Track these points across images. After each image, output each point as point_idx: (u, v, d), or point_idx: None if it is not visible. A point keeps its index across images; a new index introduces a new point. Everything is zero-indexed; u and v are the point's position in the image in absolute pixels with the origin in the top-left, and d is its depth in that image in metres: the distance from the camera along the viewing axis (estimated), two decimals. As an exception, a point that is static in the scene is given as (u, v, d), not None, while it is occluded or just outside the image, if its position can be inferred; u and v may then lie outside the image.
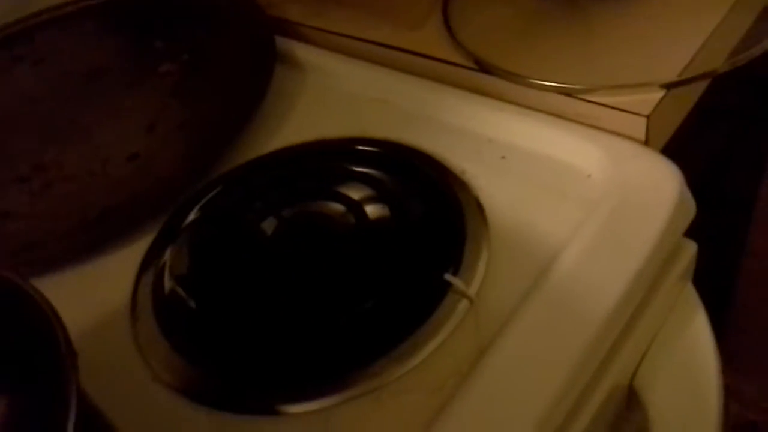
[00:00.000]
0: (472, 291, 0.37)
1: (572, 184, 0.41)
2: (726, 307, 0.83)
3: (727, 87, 0.55)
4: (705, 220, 0.44)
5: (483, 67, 0.48)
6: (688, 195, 0.40)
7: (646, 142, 0.43)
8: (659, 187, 0.40)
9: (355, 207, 0.41)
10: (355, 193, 0.42)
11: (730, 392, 0.40)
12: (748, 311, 0.85)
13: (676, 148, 0.44)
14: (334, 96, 0.52)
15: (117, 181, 0.47)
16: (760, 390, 0.95)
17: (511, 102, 0.46)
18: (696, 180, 0.42)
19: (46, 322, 0.25)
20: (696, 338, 0.42)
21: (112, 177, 0.47)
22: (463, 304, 0.36)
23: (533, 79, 0.45)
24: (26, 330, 0.25)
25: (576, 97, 0.44)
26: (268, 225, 0.42)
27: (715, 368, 0.41)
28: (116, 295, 0.41)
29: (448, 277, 0.37)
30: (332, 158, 0.46)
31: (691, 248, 0.43)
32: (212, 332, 0.37)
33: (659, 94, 0.43)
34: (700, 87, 0.47)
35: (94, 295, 0.41)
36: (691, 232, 0.43)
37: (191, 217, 0.44)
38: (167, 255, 0.42)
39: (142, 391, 0.36)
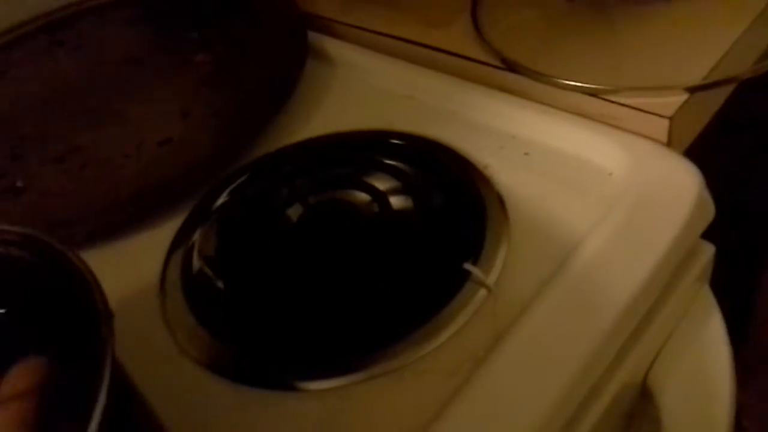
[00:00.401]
0: (490, 280, 0.37)
1: (593, 181, 0.42)
2: (742, 316, 0.83)
3: (752, 97, 0.56)
4: (726, 228, 0.45)
5: (509, 65, 0.49)
6: (708, 197, 0.41)
7: (668, 145, 0.43)
8: (679, 187, 0.40)
9: (380, 197, 0.43)
10: (380, 184, 0.44)
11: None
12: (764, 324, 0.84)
13: (699, 155, 0.45)
14: (363, 91, 0.53)
15: (150, 164, 0.48)
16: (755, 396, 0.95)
17: (535, 101, 0.47)
18: (718, 188, 0.42)
19: (84, 284, 0.26)
20: (710, 340, 0.43)
21: (145, 160, 0.49)
22: (482, 292, 0.37)
23: (558, 78, 0.46)
24: (64, 292, 0.27)
25: (600, 98, 0.45)
26: (294, 211, 0.43)
27: (729, 370, 0.41)
28: (147, 272, 0.42)
29: (467, 266, 0.38)
30: (359, 149, 0.48)
31: (708, 250, 0.43)
32: (237, 310, 0.39)
33: (683, 97, 0.43)
34: (724, 92, 0.47)
35: (125, 271, 0.42)
36: (711, 239, 0.44)
37: (220, 200, 0.46)
38: (196, 236, 0.43)
39: (169, 364, 0.37)
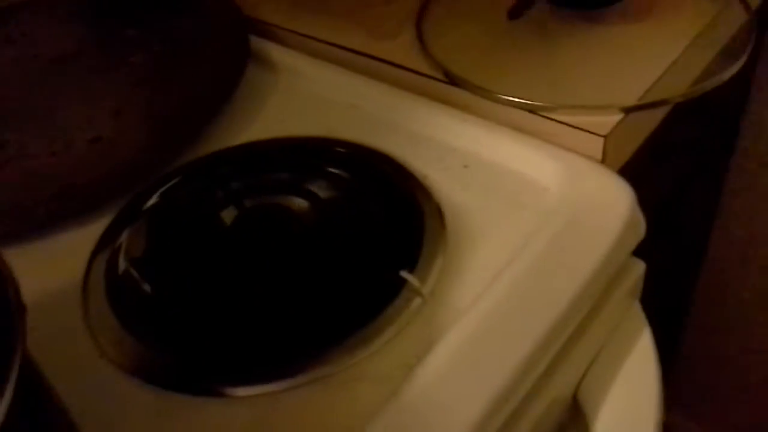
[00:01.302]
0: (426, 289, 0.37)
1: (530, 195, 0.43)
2: (673, 332, 0.86)
3: (686, 120, 0.58)
4: (658, 246, 0.46)
5: (451, 79, 0.49)
6: (639, 215, 0.42)
7: (603, 163, 0.44)
8: (612, 204, 0.41)
9: (318, 203, 0.42)
10: (320, 190, 0.43)
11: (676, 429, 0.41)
12: (695, 340, 0.87)
13: (633, 175, 0.46)
14: (305, 98, 0.53)
15: (78, 162, 0.46)
16: (706, 429, 0.98)
17: (476, 115, 0.48)
18: (651, 207, 0.44)
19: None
20: (640, 355, 0.44)
21: (74, 157, 0.47)
22: (417, 301, 0.37)
23: (498, 93, 0.47)
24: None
25: (538, 114, 0.46)
26: (228, 214, 0.42)
27: (657, 387, 0.42)
28: (69, 272, 0.40)
29: (403, 274, 0.37)
30: (298, 155, 0.47)
31: (639, 267, 0.44)
32: (163, 314, 0.37)
33: (618, 116, 0.44)
34: (659, 114, 0.49)
35: (46, 271, 0.40)
36: (643, 256, 0.45)
37: (151, 202, 0.44)
38: (123, 237, 0.42)
39: (89, 368, 0.35)
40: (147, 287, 0.38)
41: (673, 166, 0.63)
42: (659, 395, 0.41)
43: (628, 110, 0.45)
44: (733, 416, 0.95)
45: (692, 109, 0.59)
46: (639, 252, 0.44)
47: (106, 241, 0.42)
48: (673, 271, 0.75)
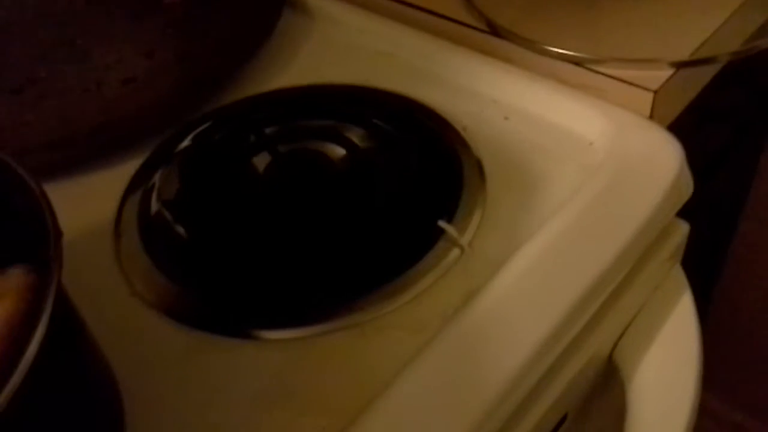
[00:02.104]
0: (464, 240, 0.36)
1: (573, 150, 0.41)
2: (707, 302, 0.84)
3: (733, 85, 0.55)
4: (699, 212, 0.44)
5: (494, 30, 0.47)
6: (687, 173, 0.40)
7: (651, 119, 0.43)
8: (660, 161, 0.40)
9: (355, 151, 0.41)
10: (357, 138, 0.42)
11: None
12: (725, 315, 0.86)
13: (679, 135, 0.44)
14: (341, 45, 0.51)
15: (111, 102, 0.45)
16: (727, 403, 0.96)
17: (518, 67, 0.46)
18: (694, 169, 0.42)
19: (34, 201, 0.24)
20: (679, 319, 0.42)
21: (106, 97, 0.46)
22: (455, 252, 0.36)
23: (543, 44, 0.45)
24: (14, 208, 0.25)
25: (584, 67, 0.44)
26: (261, 159, 0.41)
27: (696, 351, 0.41)
28: (101, 211, 0.40)
29: (441, 223, 0.36)
30: (335, 102, 0.46)
31: (683, 228, 0.43)
32: (197, 255, 0.37)
33: (668, 71, 0.43)
34: (710, 71, 0.47)
35: (78, 209, 0.39)
36: (686, 218, 0.43)
37: (184, 144, 0.43)
38: (156, 178, 0.41)
39: (121, 306, 0.35)
40: (180, 229, 0.38)
41: (716, 132, 0.61)
42: (699, 358, 0.40)
43: (679, 65, 0.43)
44: (753, 392, 0.94)
45: (740, 74, 0.57)
46: (681, 214, 0.42)
47: (138, 181, 0.41)
48: (710, 239, 0.74)
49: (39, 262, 0.22)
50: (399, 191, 0.39)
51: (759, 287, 0.83)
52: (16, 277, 0.23)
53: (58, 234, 0.23)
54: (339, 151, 0.41)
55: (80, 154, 0.42)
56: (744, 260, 0.82)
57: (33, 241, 0.23)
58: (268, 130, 0.43)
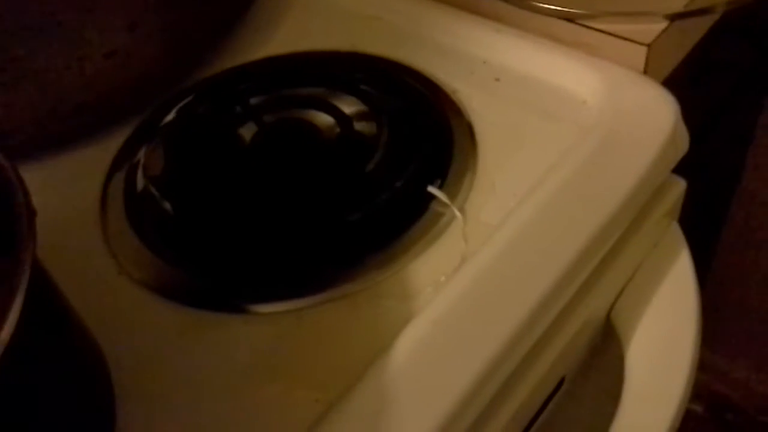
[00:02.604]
0: (456, 205, 0.35)
1: (566, 109, 0.40)
2: (707, 257, 0.83)
3: (727, 40, 0.54)
4: (695, 169, 0.44)
5: (483, -12, 0.46)
6: (683, 128, 0.39)
7: (645, 74, 0.41)
8: (655, 117, 0.39)
9: (344, 119, 0.40)
10: (343, 105, 0.41)
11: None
12: (727, 267, 0.85)
13: (673, 93, 0.43)
14: (326, 11, 0.50)
15: (93, 77, 0.44)
16: (731, 361, 0.97)
17: (508, 25, 0.45)
18: (691, 126, 0.41)
19: (5, 180, 0.23)
20: (677, 278, 0.42)
21: (88, 73, 0.45)
22: (446, 217, 0.35)
23: (534, 2, 0.44)
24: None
25: (576, 23, 0.43)
26: (248, 130, 0.40)
27: (695, 309, 0.40)
28: (87, 189, 0.39)
29: (432, 189, 0.36)
30: (322, 69, 0.45)
31: (679, 186, 0.42)
32: (184, 231, 0.36)
33: (662, 24, 0.41)
34: (705, 23, 0.45)
35: (63, 188, 0.39)
36: (683, 174, 0.42)
37: (168, 118, 0.42)
38: (141, 154, 0.40)
39: (108, 285, 0.34)
40: (167, 205, 0.37)
41: (714, 86, 0.60)
42: (698, 316, 0.39)
43: (673, 17, 0.42)
44: (755, 347, 0.94)
45: (738, 25, 0.55)
46: (678, 171, 0.41)
47: (123, 158, 0.40)
48: (708, 198, 0.73)
49: (12, 241, 0.22)
50: (389, 158, 0.38)
51: (759, 245, 0.82)
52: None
53: (32, 213, 0.22)
54: (327, 119, 0.40)
55: (63, 133, 0.41)
56: (744, 218, 0.81)
57: (7, 222, 0.23)
58: (253, 101, 0.42)
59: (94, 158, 0.41)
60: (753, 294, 0.88)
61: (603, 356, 0.41)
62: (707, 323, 0.41)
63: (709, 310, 0.41)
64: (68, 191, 0.39)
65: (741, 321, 0.92)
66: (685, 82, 0.46)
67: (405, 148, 0.39)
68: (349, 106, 0.41)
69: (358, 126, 0.40)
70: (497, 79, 0.43)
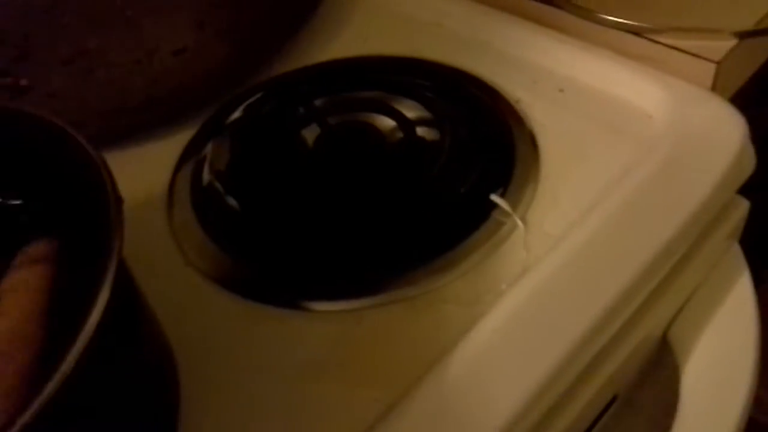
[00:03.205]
0: (518, 214, 0.35)
1: (631, 123, 0.40)
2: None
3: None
4: (760, 188, 0.43)
5: (548, -2, 0.46)
6: (750, 148, 0.39)
7: (713, 91, 0.41)
8: (722, 135, 0.38)
9: (406, 123, 0.40)
10: (406, 110, 0.41)
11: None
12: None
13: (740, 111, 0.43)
14: (388, 16, 0.50)
15: (162, 73, 0.45)
16: None
17: (574, 37, 0.45)
18: (756, 146, 0.40)
19: (94, 169, 0.24)
20: (737, 299, 0.41)
21: (157, 68, 0.46)
22: (507, 225, 0.35)
23: (599, 13, 0.44)
24: (74, 177, 0.25)
25: (643, 37, 0.42)
26: (311, 132, 0.41)
27: (754, 332, 0.40)
28: (154, 182, 0.40)
29: (494, 197, 0.36)
30: (384, 74, 0.45)
31: (743, 206, 0.42)
32: (248, 226, 0.37)
33: (732, 42, 0.41)
34: (774, 42, 0.45)
35: (132, 180, 0.39)
36: (745, 195, 0.42)
37: (234, 116, 0.43)
38: (208, 149, 0.41)
39: (175, 276, 0.35)
40: (231, 200, 0.38)
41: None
42: (757, 338, 0.39)
43: (743, 35, 0.41)
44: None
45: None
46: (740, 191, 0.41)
47: (190, 152, 0.41)
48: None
49: (100, 228, 0.23)
50: (451, 164, 0.38)
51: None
52: (44, 245, 0.23)
53: (119, 200, 0.23)
54: (389, 123, 0.41)
55: (132, 126, 0.42)
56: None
57: (94, 209, 0.23)
58: (317, 102, 0.43)
59: (163, 152, 0.42)
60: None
61: (658, 377, 0.41)
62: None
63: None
64: (137, 184, 0.39)
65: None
66: (753, 100, 0.45)
67: (467, 155, 0.39)
68: (411, 111, 0.41)
69: (421, 131, 0.40)
70: (561, 90, 0.43)
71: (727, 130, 0.38)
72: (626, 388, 0.40)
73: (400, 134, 0.40)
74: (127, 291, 0.25)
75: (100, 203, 0.23)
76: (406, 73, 0.45)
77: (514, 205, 0.36)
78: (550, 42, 0.45)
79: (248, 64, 0.46)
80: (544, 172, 0.38)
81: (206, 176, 0.39)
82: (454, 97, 0.43)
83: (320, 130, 0.41)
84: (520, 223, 0.35)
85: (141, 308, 0.27)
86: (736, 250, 0.42)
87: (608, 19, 0.43)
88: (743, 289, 0.41)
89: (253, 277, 0.34)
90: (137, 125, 0.42)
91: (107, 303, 0.20)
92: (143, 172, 0.41)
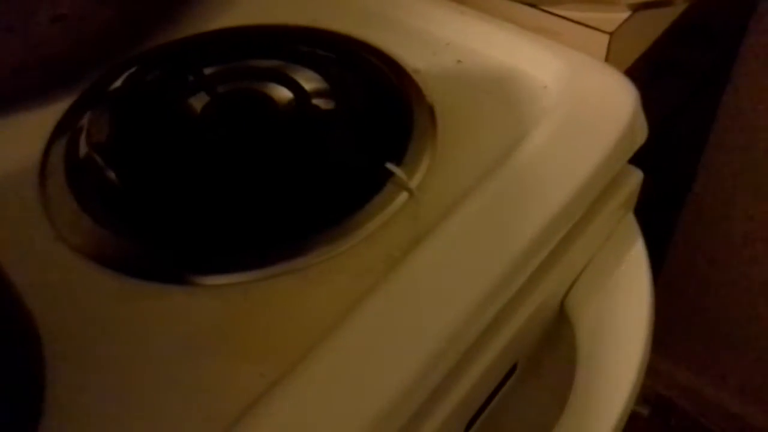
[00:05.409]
0: (413, 183, 0.35)
1: (527, 93, 0.40)
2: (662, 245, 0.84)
3: (687, 39, 0.55)
4: (653, 163, 0.44)
5: (448, -30, 0.45)
6: (642, 117, 0.39)
7: (606, 62, 0.41)
8: (615, 104, 0.39)
9: (300, 92, 0.39)
10: (302, 80, 0.40)
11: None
12: (677, 271, 0.86)
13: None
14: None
15: (39, 40, 0.42)
16: (677, 366, 0.98)
17: (472, 8, 0.44)
18: (651, 122, 0.41)
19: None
20: (631, 268, 0.42)
21: (34, 35, 0.43)
22: (403, 195, 0.34)
23: (499, -14, 0.43)
24: None
25: (540, 9, 0.42)
26: (198, 100, 0.39)
27: (648, 299, 0.40)
28: (26, 153, 0.37)
29: (389, 166, 0.35)
30: (280, 43, 0.43)
31: (636, 176, 0.42)
32: (127, 199, 0.34)
33: (625, 14, 0.41)
34: (667, 17, 0.46)
35: (1, 151, 0.37)
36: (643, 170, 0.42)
37: (115, 85, 0.40)
38: (85, 120, 0.38)
39: (44, 251, 0.32)
40: (111, 173, 0.35)
41: (671, 85, 0.60)
42: (650, 306, 0.39)
43: (636, 7, 0.42)
44: (703, 353, 0.96)
45: (694, 27, 0.56)
46: (637, 164, 0.41)
47: (66, 124, 0.38)
48: (665, 192, 0.74)
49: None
50: (346, 133, 0.37)
51: (711, 242, 0.84)
52: None
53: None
54: (284, 93, 0.39)
55: (4, 95, 0.39)
56: (697, 215, 0.83)
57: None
58: (207, 71, 0.40)
59: (35, 123, 0.39)
60: (697, 297, 0.90)
61: (557, 345, 0.41)
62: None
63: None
64: (7, 155, 0.37)
65: (688, 323, 0.93)
66: (648, 79, 0.46)
67: (363, 124, 0.38)
68: (307, 81, 0.40)
69: (316, 101, 0.39)
70: (459, 61, 0.42)
71: (619, 99, 0.39)
72: (526, 357, 0.39)
73: (294, 103, 0.38)
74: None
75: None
76: (304, 43, 0.43)
77: (409, 174, 0.35)
78: (450, 14, 0.44)
79: (134, 32, 0.43)
80: (442, 142, 0.37)
81: (83, 148, 0.37)
82: (353, 67, 0.41)
83: (209, 98, 0.39)
84: (415, 192, 0.34)
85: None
86: (631, 219, 0.43)
87: (506, -9, 0.43)
88: (637, 258, 0.42)
89: (130, 251, 0.32)
90: (10, 94, 0.39)
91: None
92: (15, 143, 0.38)
